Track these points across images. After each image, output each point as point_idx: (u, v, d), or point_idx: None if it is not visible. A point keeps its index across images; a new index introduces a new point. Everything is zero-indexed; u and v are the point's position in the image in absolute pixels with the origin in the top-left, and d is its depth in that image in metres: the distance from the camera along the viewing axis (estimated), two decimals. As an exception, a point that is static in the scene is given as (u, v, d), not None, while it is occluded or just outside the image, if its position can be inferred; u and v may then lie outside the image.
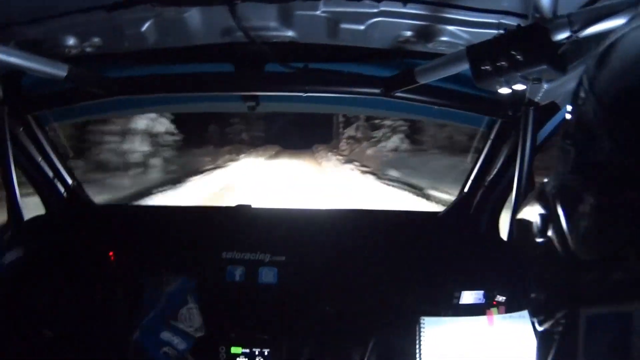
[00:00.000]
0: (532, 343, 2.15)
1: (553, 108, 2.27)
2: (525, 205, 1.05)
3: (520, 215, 1.08)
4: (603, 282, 0.81)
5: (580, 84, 0.86)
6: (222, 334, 2.64)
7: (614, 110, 0.78)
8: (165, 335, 2.32)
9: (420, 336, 2.35)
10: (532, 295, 1.12)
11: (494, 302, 2.56)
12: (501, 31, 1.62)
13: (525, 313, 2.25)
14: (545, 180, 0.97)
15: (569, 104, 0.91)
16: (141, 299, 2.50)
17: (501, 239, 2.82)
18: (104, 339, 2.54)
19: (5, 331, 2.50)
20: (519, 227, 1.08)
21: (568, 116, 0.90)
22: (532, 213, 1.00)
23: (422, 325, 2.36)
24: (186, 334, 2.36)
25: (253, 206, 3.03)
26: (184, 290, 2.46)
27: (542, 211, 0.96)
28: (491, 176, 2.78)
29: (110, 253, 2.71)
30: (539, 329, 1.04)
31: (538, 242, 0.98)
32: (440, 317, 2.40)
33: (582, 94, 0.85)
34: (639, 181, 0.74)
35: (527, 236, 0.99)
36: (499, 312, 2.39)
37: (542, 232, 0.96)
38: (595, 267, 0.83)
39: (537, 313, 1.03)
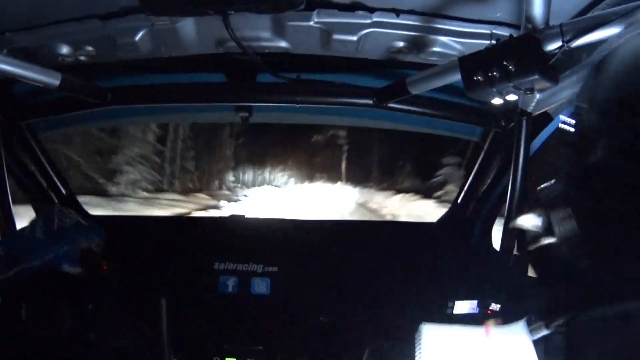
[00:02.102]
0: (529, 355, 2.14)
1: (546, 118, 2.27)
2: (521, 213, 1.05)
3: (516, 224, 1.08)
4: (597, 289, 0.80)
5: (580, 92, 0.86)
6: (216, 345, 2.63)
7: (613, 118, 0.78)
8: None
9: (419, 342, 2.32)
10: (529, 304, 1.13)
11: (488, 312, 2.55)
12: (493, 42, 1.63)
13: (521, 324, 2.24)
14: (541, 188, 0.97)
15: (568, 113, 0.91)
16: None
17: (494, 249, 2.82)
18: (96, 348, 2.52)
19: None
20: (517, 235, 1.09)
21: (564, 126, 0.90)
22: (529, 221, 1.00)
23: (420, 332, 2.33)
24: None
25: (246, 216, 3.03)
26: None
27: (539, 219, 0.96)
28: (485, 186, 2.79)
29: (103, 264, 2.70)
30: (537, 336, 1.04)
31: (534, 251, 0.98)
32: (439, 325, 2.38)
33: (581, 103, 0.85)
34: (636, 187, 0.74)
35: (524, 245, 0.99)
36: (495, 324, 2.37)
37: (538, 240, 0.95)
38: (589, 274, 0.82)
39: (535, 321, 1.02)
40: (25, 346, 2.47)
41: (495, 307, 2.54)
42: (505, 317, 2.39)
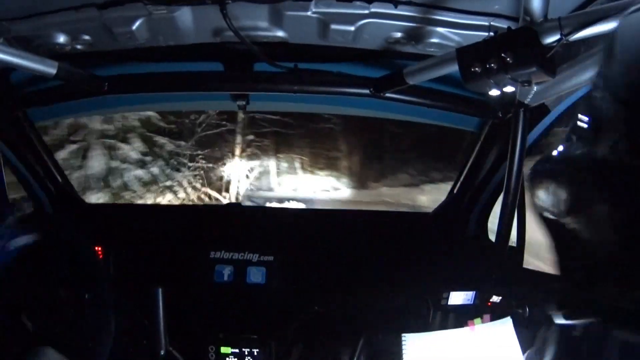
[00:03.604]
0: (515, 349, 2.15)
1: (543, 110, 2.27)
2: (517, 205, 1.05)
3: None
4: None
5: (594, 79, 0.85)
6: (211, 334, 2.64)
7: (628, 104, 0.76)
8: None
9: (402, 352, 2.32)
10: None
11: (489, 304, 2.54)
12: (491, 33, 1.63)
13: (507, 320, 2.24)
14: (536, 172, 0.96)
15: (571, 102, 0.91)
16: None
17: (489, 240, 2.83)
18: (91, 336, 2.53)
19: None
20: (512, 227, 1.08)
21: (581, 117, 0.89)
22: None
23: (404, 341, 2.33)
24: None
25: (243, 205, 3.03)
26: None
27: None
28: (481, 177, 2.79)
29: (99, 251, 2.69)
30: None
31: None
32: (421, 333, 2.37)
33: (595, 88, 0.84)
34: None
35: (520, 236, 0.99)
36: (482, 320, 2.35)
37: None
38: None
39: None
40: (21, 333, 2.48)
41: (496, 299, 2.53)
42: (499, 309, 2.41)
